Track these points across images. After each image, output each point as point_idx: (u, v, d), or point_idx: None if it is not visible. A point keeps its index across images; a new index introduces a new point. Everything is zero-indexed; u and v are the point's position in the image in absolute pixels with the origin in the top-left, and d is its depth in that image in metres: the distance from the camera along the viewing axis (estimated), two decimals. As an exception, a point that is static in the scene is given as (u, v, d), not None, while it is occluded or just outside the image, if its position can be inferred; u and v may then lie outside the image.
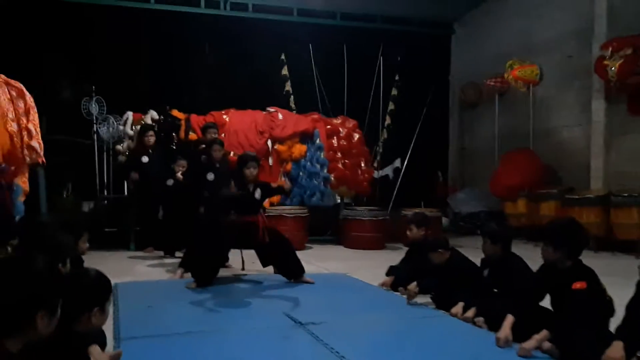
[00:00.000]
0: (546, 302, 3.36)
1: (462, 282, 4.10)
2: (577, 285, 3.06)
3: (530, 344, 3.03)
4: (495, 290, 3.86)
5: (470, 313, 3.75)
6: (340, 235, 8.63)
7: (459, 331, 3.63)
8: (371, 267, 6.21)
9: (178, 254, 6.98)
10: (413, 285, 4.32)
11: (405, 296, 4.36)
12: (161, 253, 7.21)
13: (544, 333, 3.02)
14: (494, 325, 3.41)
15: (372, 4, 10.93)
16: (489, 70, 10.37)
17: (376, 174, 9.98)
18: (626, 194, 7.31)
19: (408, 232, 5.05)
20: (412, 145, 10.40)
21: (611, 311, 3.09)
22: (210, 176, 6.36)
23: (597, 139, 8.36)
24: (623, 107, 8.02)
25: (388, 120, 10.30)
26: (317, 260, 6.91)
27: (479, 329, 3.60)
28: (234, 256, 5.84)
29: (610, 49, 7.65)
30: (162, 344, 3.28)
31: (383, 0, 10.79)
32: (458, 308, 3.87)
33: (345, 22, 11.19)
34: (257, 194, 5.11)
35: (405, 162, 10.38)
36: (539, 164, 9.05)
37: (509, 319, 3.24)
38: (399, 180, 10.33)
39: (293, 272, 5.31)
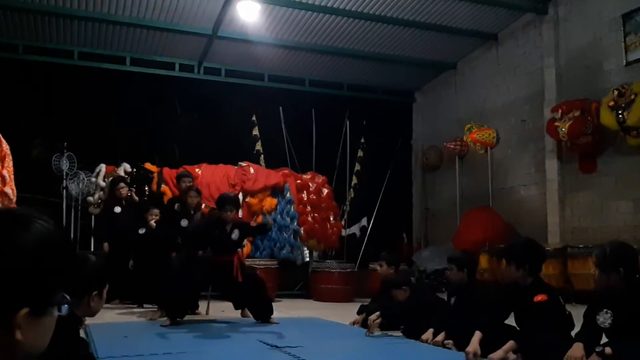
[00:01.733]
0: (511, 320, 3.56)
1: (429, 312, 4.28)
2: (539, 297, 3.30)
3: (497, 354, 3.21)
4: (462, 315, 4.05)
5: (440, 337, 3.91)
6: (309, 289, 8.71)
7: (430, 354, 3.77)
8: (341, 314, 6.28)
9: (146, 305, 6.96)
10: (374, 316, 4.45)
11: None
12: (128, 304, 7.14)
13: (511, 344, 3.22)
14: (463, 346, 3.57)
15: (339, 73, 11.56)
16: (448, 135, 10.95)
17: (344, 232, 10.21)
18: (582, 246, 7.69)
19: (378, 268, 5.23)
20: (377, 205, 10.73)
21: (571, 324, 3.32)
22: (184, 222, 6.47)
23: (552, 196, 8.84)
24: (575, 165, 8.57)
25: (355, 180, 10.68)
26: (287, 309, 6.96)
27: (448, 351, 3.75)
28: (202, 303, 5.89)
29: (560, 111, 8.26)
30: (141, 364, 3.32)
31: (349, 69, 11.44)
32: (428, 334, 4.03)
33: (314, 87, 11.74)
34: (235, 234, 5.24)
35: (372, 221, 10.66)
36: (499, 221, 9.44)
37: (477, 335, 3.42)
38: (366, 238, 10.56)
39: (263, 313, 5.37)
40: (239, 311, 5.77)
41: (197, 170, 8.32)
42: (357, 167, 10.81)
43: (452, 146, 10.86)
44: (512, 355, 3.21)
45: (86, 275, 2.21)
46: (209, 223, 5.20)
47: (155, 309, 6.43)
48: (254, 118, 10.25)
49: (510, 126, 9.87)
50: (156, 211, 7.09)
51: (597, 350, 2.72)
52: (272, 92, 11.16)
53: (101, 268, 2.31)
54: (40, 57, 9.90)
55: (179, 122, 10.44)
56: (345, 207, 10.46)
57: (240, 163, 8.75)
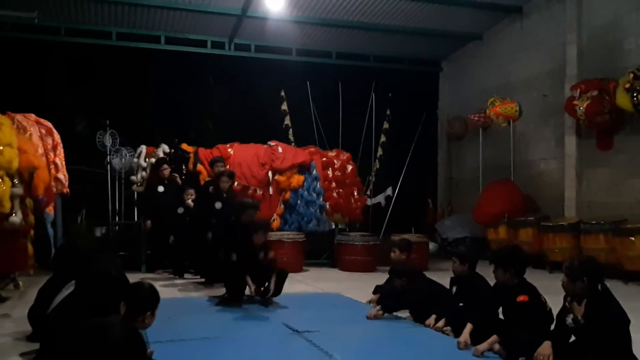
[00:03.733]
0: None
1: (433, 299, 4.82)
2: (521, 298, 3.80)
3: (483, 346, 3.74)
4: (462, 304, 4.57)
5: (441, 323, 4.45)
6: (334, 259, 9.33)
7: (431, 338, 4.33)
8: (362, 287, 6.83)
9: (186, 275, 7.75)
10: (374, 311, 4.99)
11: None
12: (169, 275, 7.93)
13: (494, 337, 3.74)
14: (460, 332, 4.11)
15: (365, 44, 11.80)
16: (473, 105, 11.18)
17: (369, 202, 10.73)
18: (594, 222, 8.03)
19: (392, 255, 5.76)
20: (402, 174, 11.17)
21: (551, 319, 3.81)
22: (218, 205, 7.08)
23: (570, 171, 9.14)
24: (592, 142, 8.82)
25: (380, 152, 11.10)
26: (313, 281, 7.61)
27: (447, 336, 4.30)
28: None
29: (579, 90, 8.46)
30: (183, 347, 3.99)
31: (375, 41, 11.67)
32: (431, 320, 4.58)
33: (340, 60, 12.05)
34: (261, 255, 5.64)
35: (397, 191, 11.13)
36: (518, 194, 9.80)
37: (468, 327, 3.96)
38: (391, 207, 11.07)
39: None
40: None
41: (229, 150, 8.88)
42: (383, 138, 11.19)
43: (476, 118, 11.11)
44: (496, 346, 3.73)
45: (142, 299, 2.84)
46: (240, 244, 5.67)
47: (193, 281, 7.24)
48: (282, 93, 10.68)
49: (533, 100, 10.06)
50: (191, 191, 7.75)
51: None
52: (300, 66, 11.54)
53: (152, 293, 2.92)
54: (81, 39, 10.49)
55: (212, 98, 10.98)
56: (370, 177, 10.94)
57: (269, 142, 9.26)
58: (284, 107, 10.65)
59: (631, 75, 7.50)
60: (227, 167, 8.42)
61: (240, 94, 11.02)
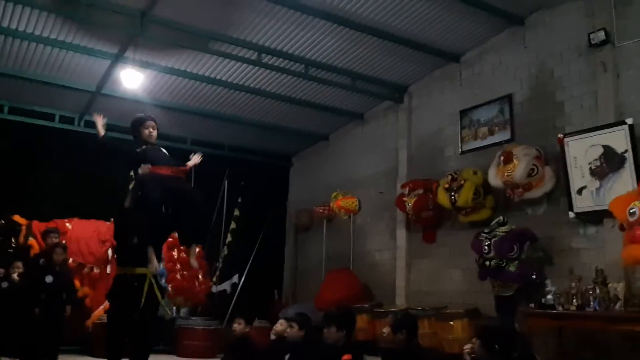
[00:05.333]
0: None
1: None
2: (345, 357, 4.09)
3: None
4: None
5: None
6: (174, 345, 9.00)
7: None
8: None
9: (4, 358, 6.97)
10: None
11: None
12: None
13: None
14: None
15: (220, 134, 12.25)
16: (319, 199, 11.91)
17: (214, 289, 10.67)
18: (420, 308, 8.75)
19: (235, 326, 5.75)
20: (250, 262, 11.34)
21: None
22: (49, 279, 6.66)
23: (400, 262, 10.00)
24: (419, 235, 9.80)
25: (230, 238, 11.24)
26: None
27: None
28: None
29: (407, 188, 9.51)
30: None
31: (230, 132, 12.17)
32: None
33: (195, 146, 12.26)
34: None
35: (243, 279, 11.22)
36: (356, 282, 10.40)
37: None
38: (236, 295, 11.07)
39: None
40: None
41: (67, 224, 8.50)
42: (233, 225, 11.39)
43: (320, 210, 11.82)
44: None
45: None
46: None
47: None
48: (132, 173, 10.53)
49: (370, 196, 11.02)
50: (18, 264, 7.21)
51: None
52: (153, 149, 11.54)
53: None
54: None
55: (54, 174, 10.49)
56: (218, 264, 10.95)
57: (112, 219, 8.99)
58: (132, 186, 10.48)
59: (449, 177, 8.64)
60: (64, 242, 8.02)
61: (86, 171, 10.66)
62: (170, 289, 8.85)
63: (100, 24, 8.12)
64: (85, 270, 8.21)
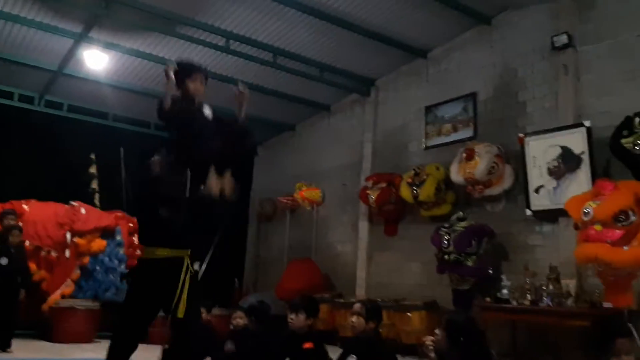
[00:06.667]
0: None
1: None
2: (307, 345, 4.13)
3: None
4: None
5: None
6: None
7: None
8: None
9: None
10: None
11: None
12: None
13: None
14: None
15: (186, 120, 12.05)
16: (283, 189, 11.91)
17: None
18: (379, 299, 8.87)
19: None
20: (211, 251, 11.27)
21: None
22: (4, 261, 6.49)
23: (362, 253, 10.11)
24: (381, 228, 9.92)
25: (191, 225, 11.10)
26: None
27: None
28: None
29: (371, 181, 9.60)
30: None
31: (195, 118, 11.99)
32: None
33: (159, 132, 12.08)
34: None
35: (204, 267, 11.14)
36: (318, 272, 10.48)
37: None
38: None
39: None
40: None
41: (24, 206, 8.26)
42: (195, 212, 11.27)
43: (284, 201, 11.83)
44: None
45: None
46: None
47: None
48: (92, 156, 10.34)
49: (334, 188, 11.08)
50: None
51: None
52: (116, 132, 11.33)
53: None
54: None
55: (12, 154, 10.17)
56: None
57: (72, 202, 8.82)
58: (93, 170, 10.29)
59: (412, 172, 8.77)
60: (21, 224, 7.80)
61: (45, 152, 10.38)
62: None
63: (64, 2, 7.91)
64: (43, 253, 8.00)
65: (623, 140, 6.43)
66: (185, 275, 3.66)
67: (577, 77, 7.44)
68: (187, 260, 3.74)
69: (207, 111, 4.19)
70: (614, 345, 2.90)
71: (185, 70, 4.05)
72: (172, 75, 3.88)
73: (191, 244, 3.84)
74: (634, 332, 4.46)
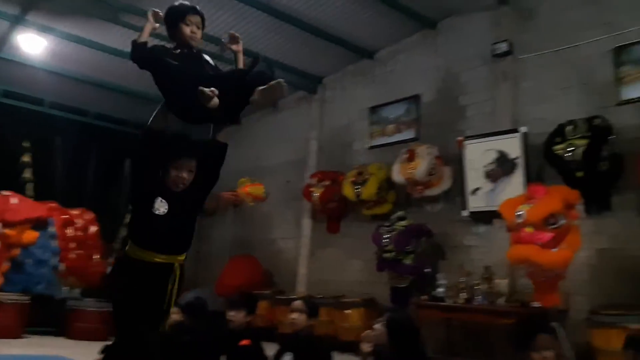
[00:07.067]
0: None
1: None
2: (244, 342, 4.12)
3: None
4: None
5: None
6: (64, 327, 8.58)
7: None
8: (88, 355, 6.44)
9: None
10: None
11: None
12: None
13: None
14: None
15: (127, 110, 11.70)
16: (227, 184, 11.73)
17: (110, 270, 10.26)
18: (320, 296, 8.95)
19: None
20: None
21: (268, 362, 4.19)
22: None
23: (304, 250, 10.14)
24: (324, 225, 9.98)
25: (128, 219, 10.83)
26: (36, 346, 6.89)
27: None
28: None
29: (316, 179, 9.65)
30: None
31: (138, 109, 11.62)
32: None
33: (98, 121, 11.72)
34: None
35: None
36: (259, 268, 10.45)
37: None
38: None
39: None
40: None
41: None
42: (134, 205, 11.00)
43: (227, 196, 11.69)
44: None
45: None
46: None
47: None
48: (26, 144, 9.92)
49: (278, 184, 11.04)
50: None
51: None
52: (52, 120, 10.88)
53: None
54: None
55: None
56: (115, 244, 10.55)
57: (2, 192, 8.43)
58: (27, 158, 9.87)
59: (355, 171, 8.88)
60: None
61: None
62: (64, 267, 8.42)
63: (-1, -19, 7.53)
64: (-33, 245, 7.62)
65: (555, 147, 6.74)
66: (173, 286, 3.26)
67: (515, 83, 7.73)
68: (177, 271, 3.31)
69: (207, 59, 3.64)
70: (535, 340, 3.04)
71: (178, 13, 3.50)
72: (151, 17, 3.48)
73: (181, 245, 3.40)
74: (559, 330, 4.70)
